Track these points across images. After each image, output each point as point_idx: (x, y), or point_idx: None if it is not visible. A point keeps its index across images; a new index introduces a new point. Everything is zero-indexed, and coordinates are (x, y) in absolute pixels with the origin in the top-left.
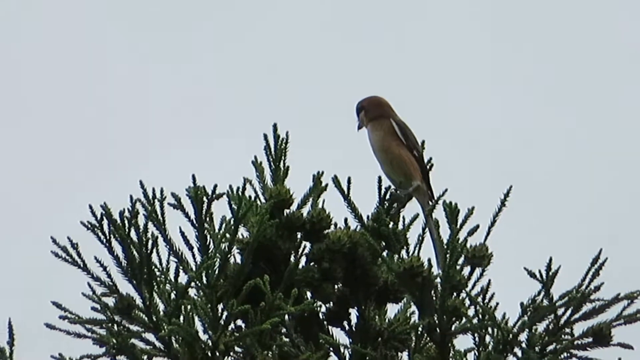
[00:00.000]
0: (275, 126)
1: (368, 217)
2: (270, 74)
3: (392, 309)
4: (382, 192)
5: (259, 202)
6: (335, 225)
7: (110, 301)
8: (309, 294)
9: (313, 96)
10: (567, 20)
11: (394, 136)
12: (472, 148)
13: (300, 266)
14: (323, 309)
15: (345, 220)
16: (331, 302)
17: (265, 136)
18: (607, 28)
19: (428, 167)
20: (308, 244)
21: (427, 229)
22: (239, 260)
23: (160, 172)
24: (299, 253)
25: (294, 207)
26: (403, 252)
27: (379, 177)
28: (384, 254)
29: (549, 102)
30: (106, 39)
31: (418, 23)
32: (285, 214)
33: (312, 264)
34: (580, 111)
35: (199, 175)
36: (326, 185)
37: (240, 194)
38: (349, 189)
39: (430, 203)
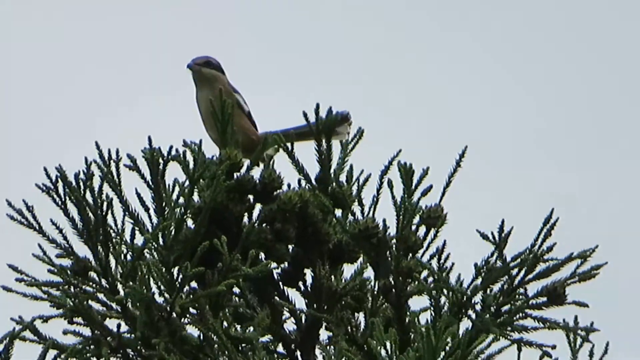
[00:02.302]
0: (220, 90)
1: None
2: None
3: (349, 270)
4: (324, 148)
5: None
6: (289, 186)
7: (66, 263)
8: (262, 256)
9: (263, 55)
10: None
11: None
12: (428, 110)
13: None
14: (278, 270)
15: (299, 181)
16: (286, 263)
17: (211, 101)
18: None
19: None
20: (259, 206)
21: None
22: (190, 226)
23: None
24: (252, 215)
25: (243, 169)
26: (358, 212)
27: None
28: (337, 213)
29: (505, 64)
30: None
31: None
32: (235, 177)
33: (264, 225)
34: (535, 70)
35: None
36: (278, 146)
37: (195, 155)
38: (292, 145)
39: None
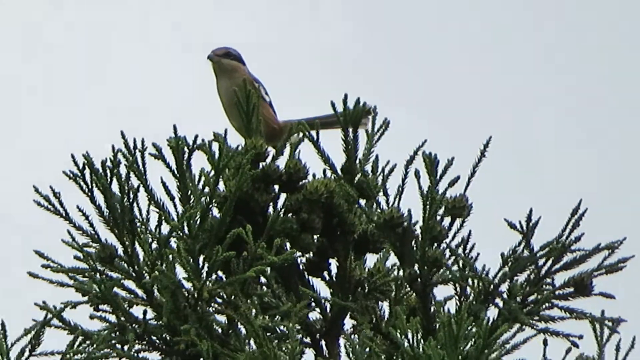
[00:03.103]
0: (244, 81)
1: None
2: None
3: (371, 258)
4: (350, 138)
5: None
6: (314, 176)
7: (92, 250)
8: (287, 245)
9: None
10: None
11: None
12: (454, 101)
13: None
14: (303, 259)
15: (324, 171)
16: (311, 253)
17: (235, 91)
18: None
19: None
20: (284, 196)
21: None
22: (215, 214)
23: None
24: (277, 205)
25: (268, 159)
26: (383, 202)
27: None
28: (362, 202)
29: (534, 57)
30: None
31: None
32: (261, 166)
33: (290, 215)
34: (567, 64)
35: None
36: (303, 135)
37: (220, 144)
38: (318, 135)
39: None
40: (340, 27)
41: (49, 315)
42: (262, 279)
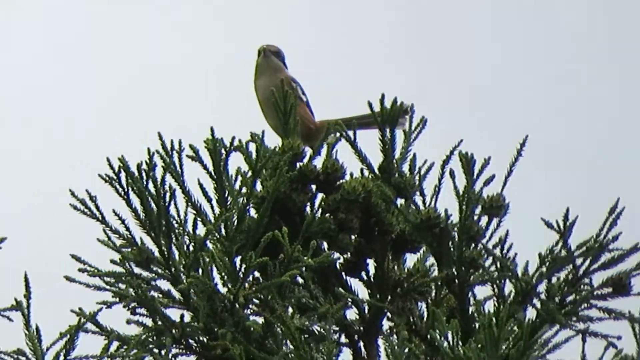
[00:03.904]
0: (282, 81)
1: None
2: None
3: (409, 258)
4: (387, 137)
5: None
6: (351, 175)
7: (129, 254)
8: (325, 245)
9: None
10: None
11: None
12: (489, 99)
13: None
14: (340, 259)
15: (362, 170)
16: (348, 253)
17: (272, 91)
18: None
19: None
20: (321, 196)
21: None
22: (252, 214)
23: None
24: (315, 205)
25: (305, 159)
26: (419, 201)
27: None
28: (400, 202)
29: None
30: None
31: None
32: (298, 166)
33: (327, 215)
34: (601, 56)
35: None
36: (340, 135)
37: (258, 145)
38: (355, 135)
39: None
40: (371, 24)
41: (82, 319)
42: (299, 279)
